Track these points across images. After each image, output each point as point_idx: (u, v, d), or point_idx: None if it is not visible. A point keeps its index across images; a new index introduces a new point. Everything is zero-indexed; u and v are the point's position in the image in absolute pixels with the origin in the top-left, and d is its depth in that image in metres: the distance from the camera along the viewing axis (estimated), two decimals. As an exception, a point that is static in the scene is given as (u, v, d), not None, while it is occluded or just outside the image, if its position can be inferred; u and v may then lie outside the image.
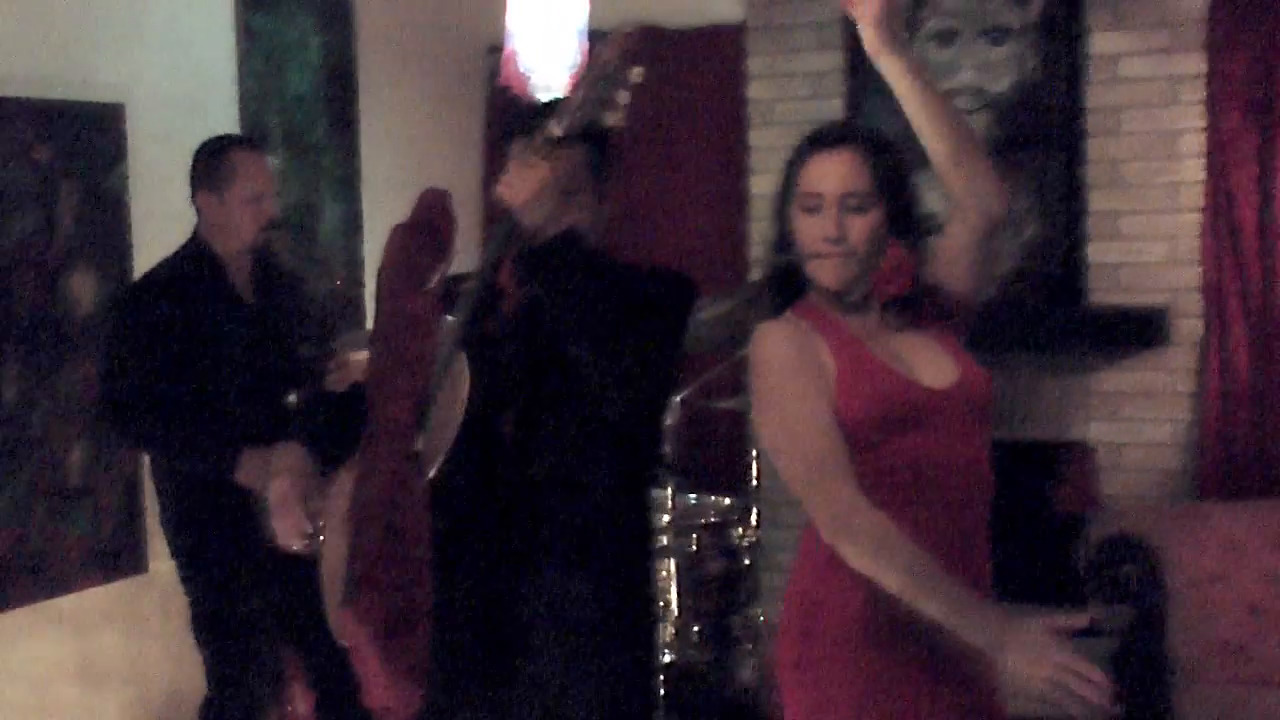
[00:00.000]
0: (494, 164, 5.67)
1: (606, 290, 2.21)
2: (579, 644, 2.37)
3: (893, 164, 2.30)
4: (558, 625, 2.35)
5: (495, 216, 2.29)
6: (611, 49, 2.11)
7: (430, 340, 2.15)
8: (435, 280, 2.16)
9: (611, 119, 2.12)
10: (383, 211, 5.26)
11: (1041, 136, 5.06)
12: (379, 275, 2.24)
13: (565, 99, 2.15)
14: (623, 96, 2.10)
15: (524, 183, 2.14)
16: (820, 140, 2.33)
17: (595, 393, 2.23)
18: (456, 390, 2.21)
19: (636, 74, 2.10)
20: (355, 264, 5.06)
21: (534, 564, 2.33)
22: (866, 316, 2.31)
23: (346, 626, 2.16)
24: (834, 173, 2.27)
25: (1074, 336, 4.96)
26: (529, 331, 2.29)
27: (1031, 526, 5.15)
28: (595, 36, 4.67)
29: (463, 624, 2.33)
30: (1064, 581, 4.92)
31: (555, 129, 2.13)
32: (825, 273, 2.26)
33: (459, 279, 2.30)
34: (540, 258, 2.18)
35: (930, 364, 2.34)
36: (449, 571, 2.26)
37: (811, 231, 2.27)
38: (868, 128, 2.41)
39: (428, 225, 2.19)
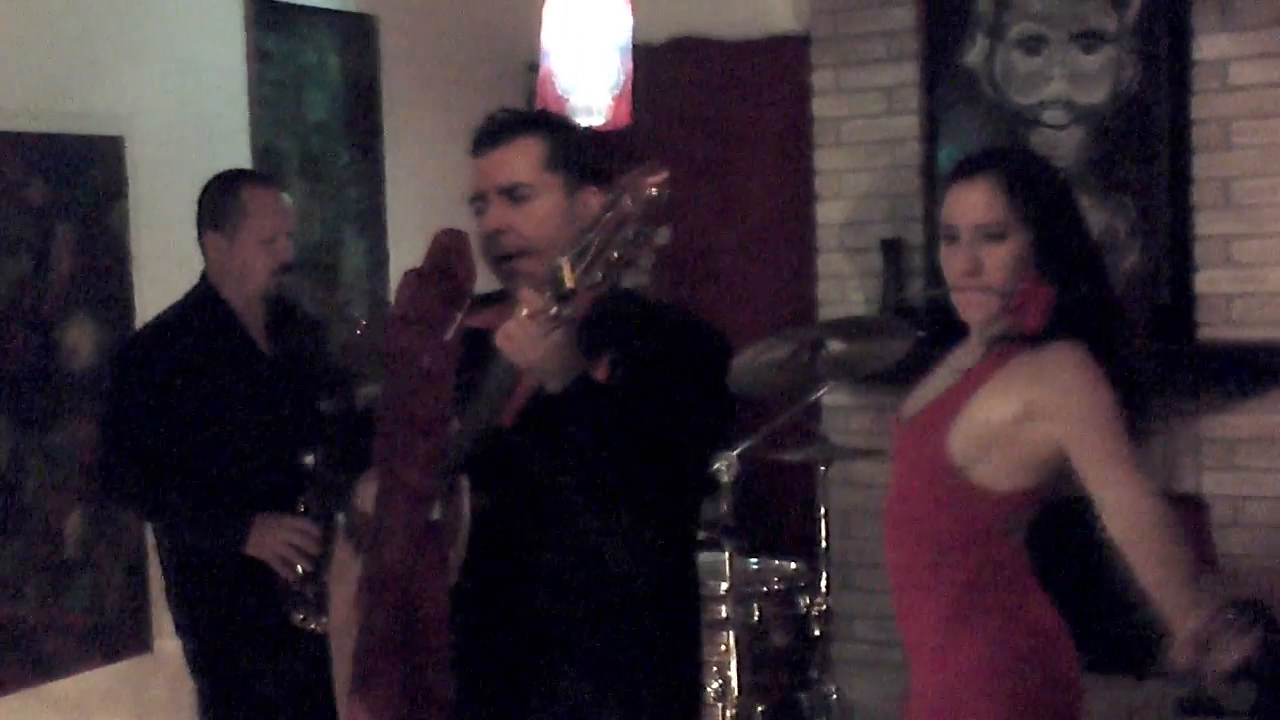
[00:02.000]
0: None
1: (620, 439, 2.15)
2: None
3: (1041, 190, 2.42)
4: None
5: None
6: (635, 202, 1.97)
7: (446, 398, 2.15)
8: (451, 331, 2.15)
9: (632, 280, 2.10)
10: (410, 248, 5.25)
11: (1142, 152, 5.02)
12: (389, 326, 2.25)
13: (581, 237, 2.00)
14: (646, 260, 2.03)
15: (532, 346, 2.06)
16: (960, 170, 2.48)
17: (599, 546, 2.26)
18: (461, 505, 2.23)
19: (663, 235, 2.05)
20: (380, 306, 5.08)
21: (555, 672, 2.31)
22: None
23: (355, 713, 2.16)
24: (967, 202, 2.42)
25: (1182, 376, 4.90)
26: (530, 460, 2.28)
27: (1139, 588, 5.07)
28: (639, 54, 4.69)
29: None
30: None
31: (567, 281, 1.99)
32: (964, 307, 2.45)
33: (479, 300, 2.29)
34: (548, 412, 2.15)
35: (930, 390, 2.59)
36: (461, 667, 2.24)
37: (950, 264, 2.44)
38: (1017, 151, 2.74)
39: (443, 271, 2.19)
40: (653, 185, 1.97)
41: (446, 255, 2.20)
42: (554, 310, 2.02)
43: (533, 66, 5.71)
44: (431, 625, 2.14)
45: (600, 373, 2.20)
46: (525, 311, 2.05)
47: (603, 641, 2.33)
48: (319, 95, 4.93)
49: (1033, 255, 2.39)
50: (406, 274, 2.25)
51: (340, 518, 2.90)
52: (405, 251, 5.26)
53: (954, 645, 2.50)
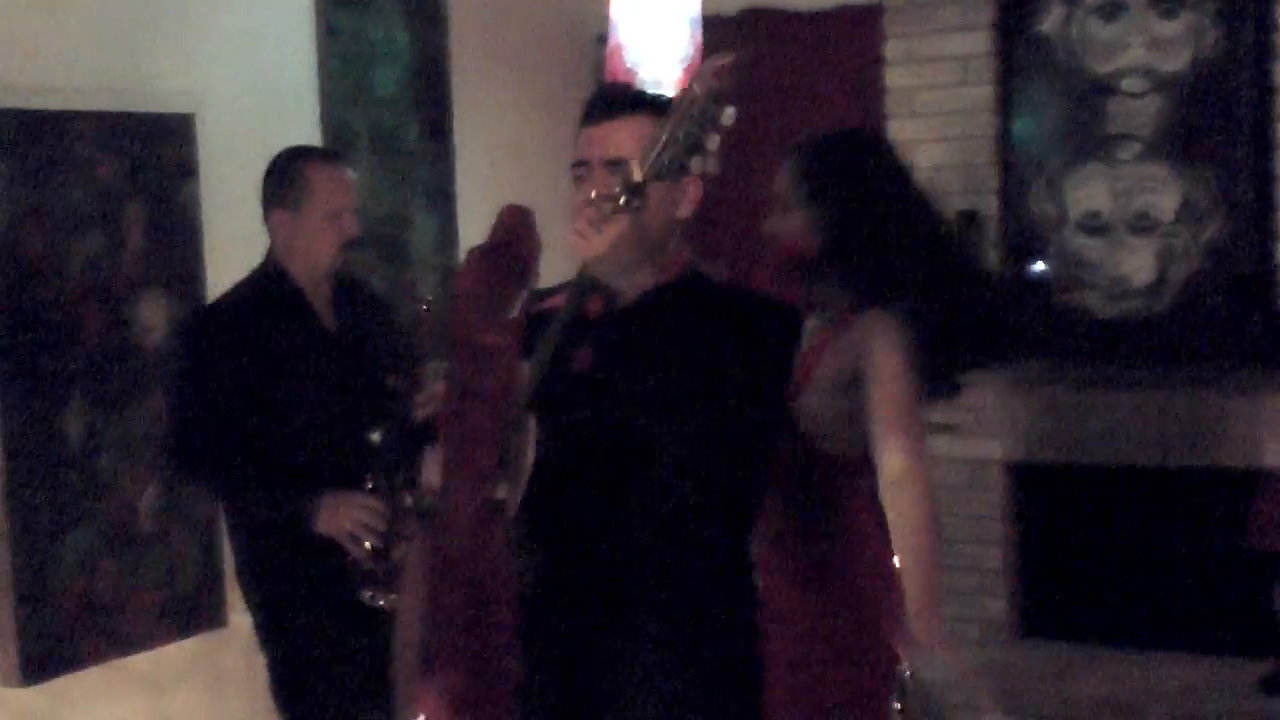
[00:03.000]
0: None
1: (690, 368, 2.18)
2: None
3: (831, 172, 2.77)
4: (652, 708, 2.31)
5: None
6: (701, 85, 2.05)
7: (512, 376, 2.13)
8: (516, 309, 2.14)
9: (699, 166, 2.09)
10: (479, 224, 5.24)
11: (1224, 121, 4.93)
12: (453, 304, 2.23)
13: (651, 135, 2.10)
14: (713, 141, 2.07)
15: (599, 235, 2.13)
16: None
17: (673, 474, 2.22)
18: (525, 446, 2.21)
19: (729, 115, 2.05)
20: (449, 282, 5.08)
21: (623, 645, 2.29)
22: None
23: (423, 700, 2.15)
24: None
25: (1266, 348, 4.82)
26: (603, 399, 2.25)
27: (1220, 566, 5.01)
28: (708, 25, 4.65)
29: (542, 705, 2.30)
30: (1259, 628, 4.78)
31: (635, 173, 2.09)
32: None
33: (542, 294, 2.29)
34: (615, 328, 2.19)
35: None
36: (527, 644, 2.23)
37: None
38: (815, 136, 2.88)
39: (507, 248, 2.17)
40: (717, 67, 2.04)
41: (512, 231, 2.18)
42: (621, 199, 2.09)
43: (601, 39, 5.68)
44: (498, 603, 2.12)
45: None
46: (592, 194, 2.14)
47: (670, 607, 2.31)
48: (388, 71, 4.92)
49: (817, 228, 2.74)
50: (471, 251, 2.23)
51: (408, 498, 2.90)
52: (474, 227, 5.25)
53: (807, 606, 2.77)
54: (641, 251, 2.19)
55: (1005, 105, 5.20)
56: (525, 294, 2.16)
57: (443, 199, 5.14)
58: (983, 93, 5.18)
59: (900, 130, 5.37)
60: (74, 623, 3.94)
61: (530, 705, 2.22)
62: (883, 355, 2.69)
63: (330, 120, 4.71)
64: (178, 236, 4.19)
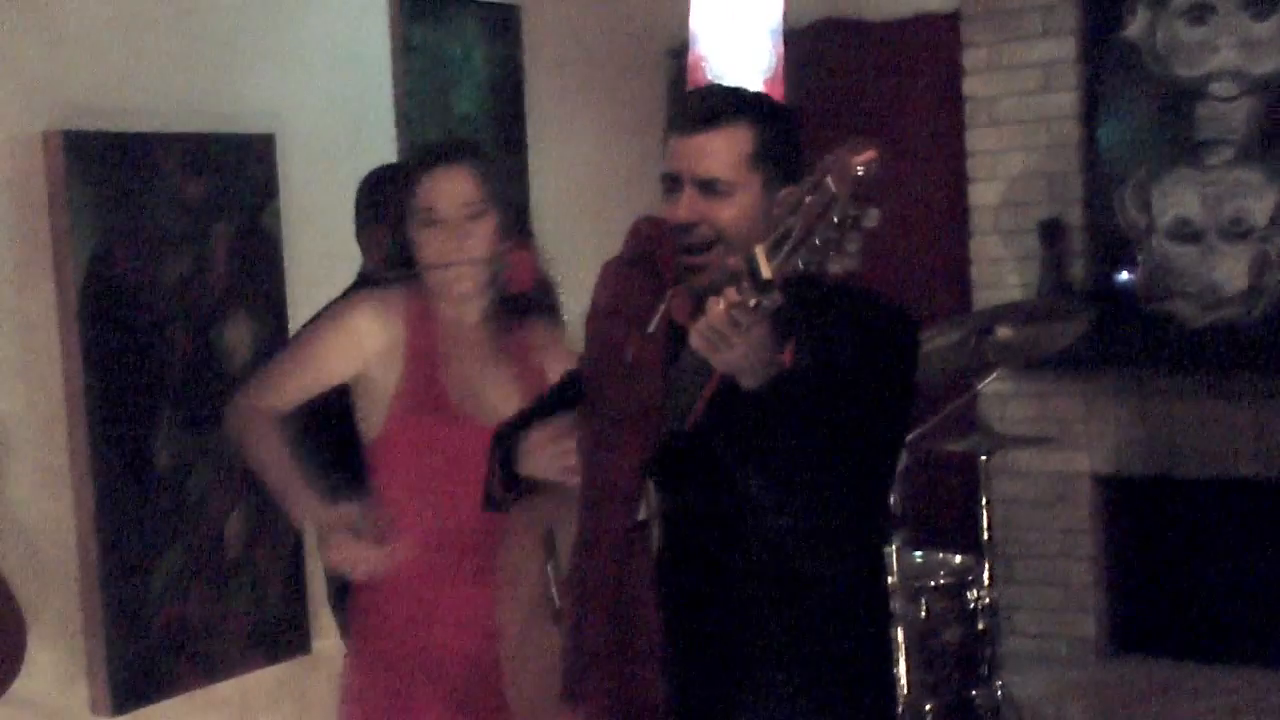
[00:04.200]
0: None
1: (814, 435, 2.02)
2: None
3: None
4: None
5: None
6: (841, 183, 1.81)
7: (655, 391, 2.06)
8: (655, 322, 2.06)
9: (838, 265, 1.85)
10: (554, 241, 5.20)
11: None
12: (591, 319, 2.17)
13: (779, 223, 1.86)
14: (854, 244, 1.83)
15: (729, 346, 1.93)
16: (434, 160, 2.78)
17: (789, 546, 2.14)
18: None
19: (873, 217, 1.82)
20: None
21: (754, 676, 2.22)
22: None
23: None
24: (450, 188, 2.74)
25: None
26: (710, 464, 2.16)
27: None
28: (793, 35, 4.59)
29: None
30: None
31: (764, 270, 1.85)
32: (452, 283, 2.73)
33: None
34: (740, 410, 2.02)
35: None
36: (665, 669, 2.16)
37: (433, 245, 2.73)
38: (473, 141, 3.06)
39: (645, 259, 2.10)
40: (859, 164, 1.80)
41: (649, 242, 2.11)
42: (752, 303, 1.88)
43: (673, 53, 5.64)
44: (642, 629, 2.06)
45: (786, 356, 2.07)
46: (721, 306, 1.90)
47: (798, 642, 2.24)
48: (465, 87, 4.88)
49: (508, 227, 2.77)
50: (606, 264, 2.16)
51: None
52: (549, 244, 5.19)
53: None
54: (769, 349, 2.00)
55: (1089, 112, 5.12)
56: (664, 307, 2.08)
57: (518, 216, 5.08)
58: (1066, 100, 5.10)
59: (980, 139, 5.30)
60: (163, 650, 3.89)
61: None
62: None
63: (407, 138, 4.67)
64: (261, 257, 4.15)
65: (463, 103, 4.86)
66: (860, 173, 1.81)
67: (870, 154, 1.81)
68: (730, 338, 1.91)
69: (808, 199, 1.83)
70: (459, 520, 2.73)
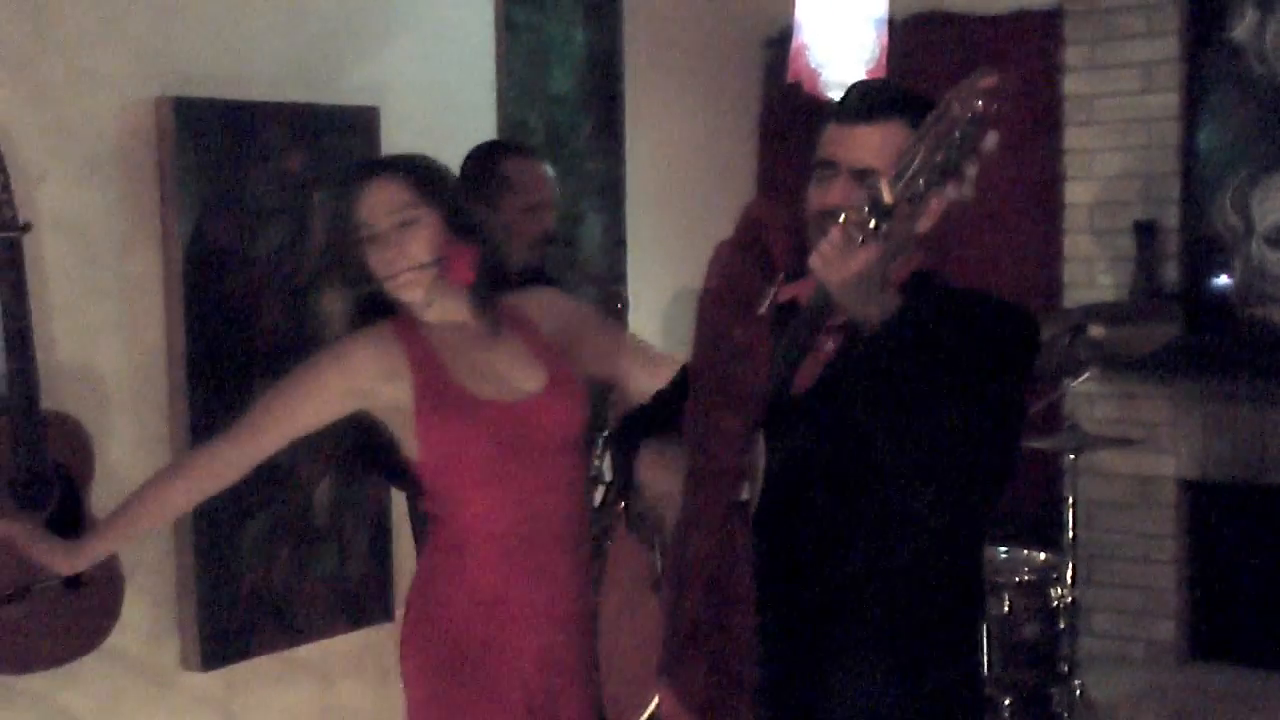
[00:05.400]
0: (770, 171, 5.63)
1: (936, 390, 2.03)
2: None
3: (437, 175, 2.80)
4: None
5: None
6: (962, 105, 1.89)
7: (761, 374, 2.08)
8: (765, 305, 2.08)
9: (955, 191, 1.93)
10: (647, 224, 5.25)
11: None
12: (701, 300, 2.18)
13: (905, 154, 1.95)
14: (972, 168, 1.91)
15: (846, 264, 1.97)
16: (360, 174, 2.80)
17: (903, 493, 2.14)
18: (757, 456, 2.15)
19: (992, 141, 1.90)
20: (619, 281, 5.06)
21: (846, 660, 2.23)
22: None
23: (663, 701, 2.11)
24: (378, 201, 2.73)
25: None
26: (827, 421, 2.18)
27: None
28: (894, 28, 4.58)
29: (765, 713, 2.24)
30: None
31: (885, 195, 1.93)
32: (402, 291, 2.74)
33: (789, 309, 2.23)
34: (860, 359, 2.06)
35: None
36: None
37: (380, 259, 2.73)
38: (406, 155, 2.88)
39: (755, 242, 2.11)
40: (983, 89, 1.88)
41: (759, 227, 2.13)
42: (871, 224, 1.95)
43: (770, 42, 5.64)
44: (739, 609, 2.08)
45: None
46: (840, 222, 1.97)
47: (892, 626, 2.25)
48: (563, 68, 4.91)
49: (446, 228, 2.73)
50: (718, 246, 2.18)
51: (622, 503, 2.87)
52: (642, 227, 5.24)
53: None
54: (884, 275, 2.04)
55: (1190, 114, 5.07)
56: (774, 290, 2.10)
57: (612, 198, 5.11)
58: (1166, 100, 5.06)
59: (1077, 138, 5.26)
60: (251, 611, 3.95)
61: (762, 712, 2.17)
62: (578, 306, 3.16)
63: (506, 116, 4.70)
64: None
65: (560, 83, 4.89)
66: (983, 97, 1.88)
67: (993, 80, 1.89)
68: (845, 256, 1.96)
69: (932, 126, 1.91)
70: (520, 504, 2.71)
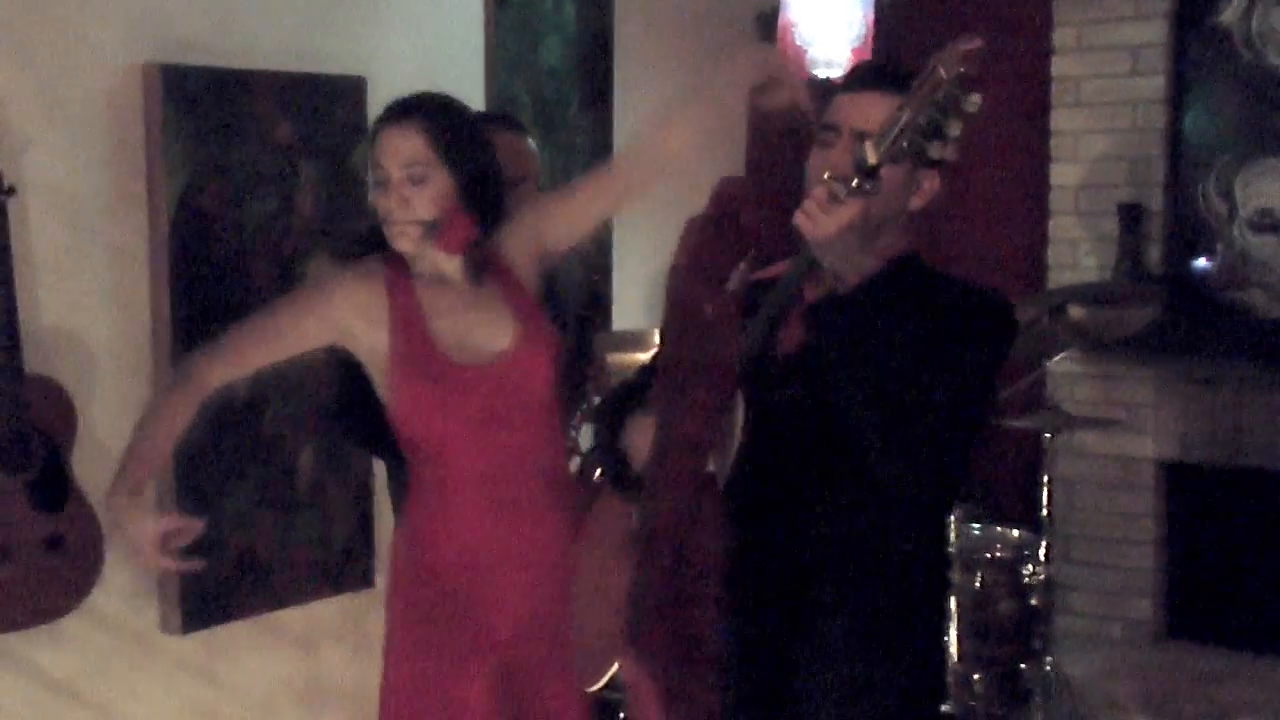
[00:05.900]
0: (757, 150, 5.64)
1: (908, 355, 2.11)
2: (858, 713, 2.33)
3: (461, 135, 2.71)
4: (836, 694, 2.30)
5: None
6: (947, 68, 1.98)
7: (731, 348, 2.11)
8: (735, 280, 2.11)
9: (938, 151, 2.02)
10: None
11: None
12: (671, 274, 2.22)
13: (892, 117, 2.03)
14: (956, 128, 2.00)
15: (828, 219, 2.04)
16: (388, 115, 2.74)
17: (877, 467, 2.18)
18: (735, 421, 2.19)
19: (974, 102, 1.99)
20: (604, 255, 5.08)
21: (816, 625, 2.27)
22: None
23: (626, 665, 2.14)
24: (396, 146, 2.68)
25: None
26: (811, 381, 2.22)
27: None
28: (881, 6, 4.60)
29: (732, 678, 2.28)
30: None
31: (870, 155, 2.02)
32: (395, 239, 2.70)
33: (761, 285, 2.26)
34: (835, 312, 2.12)
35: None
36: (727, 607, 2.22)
37: (382, 204, 2.71)
38: (440, 98, 2.81)
39: (727, 218, 2.15)
40: (965, 52, 1.97)
41: (731, 202, 2.16)
42: (854, 182, 2.02)
43: (760, 18, 5.64)
44: (703, 578, 2.11)
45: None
46: (824, 178, 2.04)
47: (858, 597, 2.30)
48: (554, 42, 4.92)
49: (456, 192, 2.66)
50: (689, 221, 2.21)
51: (603, 467, 2.90)
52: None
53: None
54: (866, 236, 2.11)
55: (1177, 97, 5.09)
56: (744, 265, 2.13)
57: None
58: (1153, 84, 5.08)
59: (1065, 119, 5.28)
60: (233, 575, 3.98)
61: (729, 678, 2.21)
62: None
63: (495, 88, 4.71)
64: (347, 199, 4.21)
65: (550, 57, 4.90)
66: (966, 59, 1.98)
67: (976, 43, 1.99)
68: (827, 212, 2.04)
69: (919, 89, 2.00)
70: (495, 457, 2.67)
